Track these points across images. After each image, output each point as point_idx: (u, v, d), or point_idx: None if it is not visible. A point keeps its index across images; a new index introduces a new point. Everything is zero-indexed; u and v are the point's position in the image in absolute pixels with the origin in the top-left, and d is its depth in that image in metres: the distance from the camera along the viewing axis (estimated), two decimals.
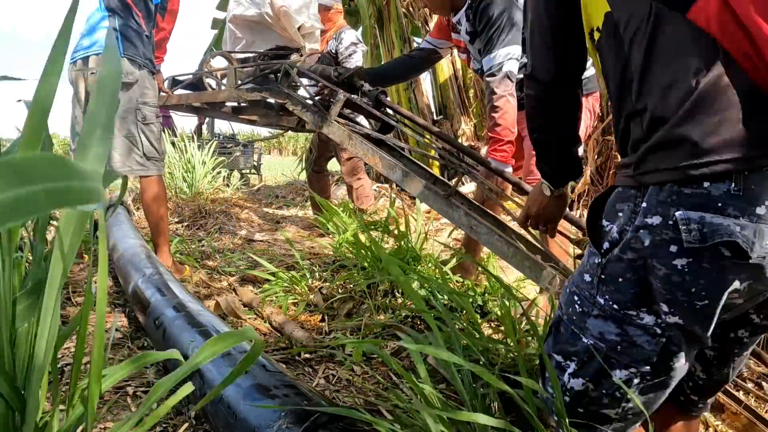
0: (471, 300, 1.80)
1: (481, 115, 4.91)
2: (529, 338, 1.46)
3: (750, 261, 0.63)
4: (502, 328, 1.56)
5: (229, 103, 2.90)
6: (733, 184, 0.63)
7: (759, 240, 0.63)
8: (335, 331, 1.75)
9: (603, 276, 0.73)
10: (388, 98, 2.08)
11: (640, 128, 0.69)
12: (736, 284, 0.66)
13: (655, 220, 0.67)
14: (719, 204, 0.63)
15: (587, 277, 0.75)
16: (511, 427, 0.88)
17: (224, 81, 2.69)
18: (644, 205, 0.68)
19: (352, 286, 2.10)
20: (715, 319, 0.68)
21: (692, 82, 0.63)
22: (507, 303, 1.50)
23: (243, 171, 7.16)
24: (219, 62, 2.98)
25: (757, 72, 0.60)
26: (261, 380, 1.01)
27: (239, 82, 2.48)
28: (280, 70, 2.27)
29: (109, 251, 2.33)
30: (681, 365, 0.72)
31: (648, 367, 0.71)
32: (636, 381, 0.72)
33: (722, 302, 0.67)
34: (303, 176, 4.39)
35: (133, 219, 3.24)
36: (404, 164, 1.83)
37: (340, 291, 2.10)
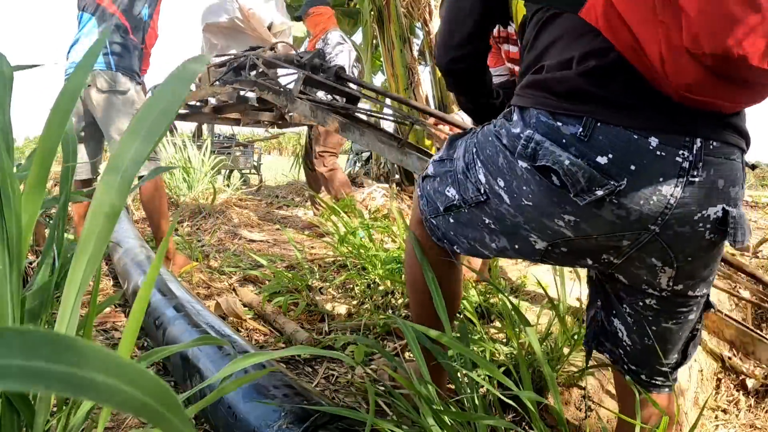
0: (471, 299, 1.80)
1: None
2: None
3: (573, 197, 0.74)
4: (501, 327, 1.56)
5: (210, 101, 3.09)
6: (581, 129, 0.75)
7: (588, 184, 0.73)
8: (335, 331, 1.75)
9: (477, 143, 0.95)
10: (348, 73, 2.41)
11: (535, 72, 0.85)
12: (560, 212, 0.78)
13: (516, 128, 0.83)
14: (564, 141, 0.76)
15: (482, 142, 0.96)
16: (512, 426, 0.88)
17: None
18: (515, 117, 0.85)
19: (352, 286, 2.10)
20: (534, 229, 0.83)
21: (586, 58, 0.77)
22: (508, 303, 1.49)
23: (243, 171, 7.14)
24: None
25: (636, 58, 0.72)
26: (261, 380, 1.01)
27: (213, 79, 2.70)
28: (248, 63, 2.53)
29: (109, 251, 2.33)
30: (487, 224, 0.91)
31: (465, 205, 0.93)
32: (454, 203, 0.95)
33: (544, 219, 0.80)
34: (303, 177, 4.39)
35: (132, 219, 3.24)
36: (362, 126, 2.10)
37: (340, 291, 2.10)
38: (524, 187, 0.81)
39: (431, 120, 2.20)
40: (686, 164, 0.72)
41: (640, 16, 0.69)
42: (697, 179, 0.73)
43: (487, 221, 0.90)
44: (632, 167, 0.73)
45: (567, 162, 0.74)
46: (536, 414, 0.91)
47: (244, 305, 1.95)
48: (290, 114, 3.71)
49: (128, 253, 2.09)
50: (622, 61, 0.73)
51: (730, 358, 1.77)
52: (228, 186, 5.19)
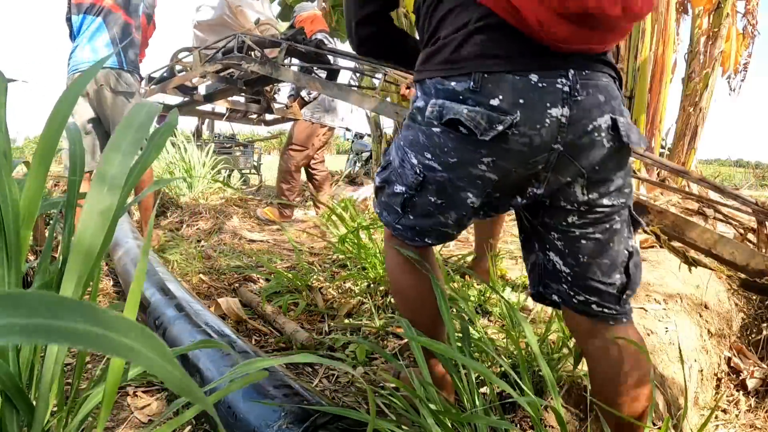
0: (470, 299, 1.80)
1: None
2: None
3: (480, 137, 0.86)
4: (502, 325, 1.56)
5: (200, 91, 3.37)
6: (472, 83, 0.88)
7: (488, 123, 0.86)
8: (335, 331, 1.74)
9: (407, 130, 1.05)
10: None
11: (430, 49, 0.97)
12: (479, 157, 0.90)
13: (420, 103, 0.97)
14: (460, 96, 0.89)
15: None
16: (512, 426, 0.88)
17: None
18: (418, 93, 0.99)
19: (351, 286, 2.10)
20: (468, 183, 0.94)
21: (467, 25, 0.90)
22: (508, 303, 1.49)
23: (243, 171, 7.14)
24: (186, 57, 3.32)
25: (515, 20, 0.85)
26: (261, 380, 1.01)
27: (203, 61, 2.91)
28: (236, 45, 2.75)
29: (109, 251, 2.33)
30: (435, 203, 0.99)
31: (412, 191, 1.01)
32: (405, 197, 1.02)
33: (469, 168, 0.92)
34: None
35: (132, 219, 3.24)
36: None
37: (340, 291, 2.10)
38: (445, 148, 0.93)
39: (403, 87, 2.46)
40: (567, 88, 0.87)
41: None
42: (579, 98, 0.87)
43: (432, 200, 0.99)
44: (521, 101, 0.86)
45: (466, 111, 0.87)
46: (536, 418, 0.91)
47: (244, 305, 1.95)
48: (277, 106, 3.83)
49: (128, 253, 2.09)
50: (502, 23, 0.86)
51: (730, 359, 1.77)
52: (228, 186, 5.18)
